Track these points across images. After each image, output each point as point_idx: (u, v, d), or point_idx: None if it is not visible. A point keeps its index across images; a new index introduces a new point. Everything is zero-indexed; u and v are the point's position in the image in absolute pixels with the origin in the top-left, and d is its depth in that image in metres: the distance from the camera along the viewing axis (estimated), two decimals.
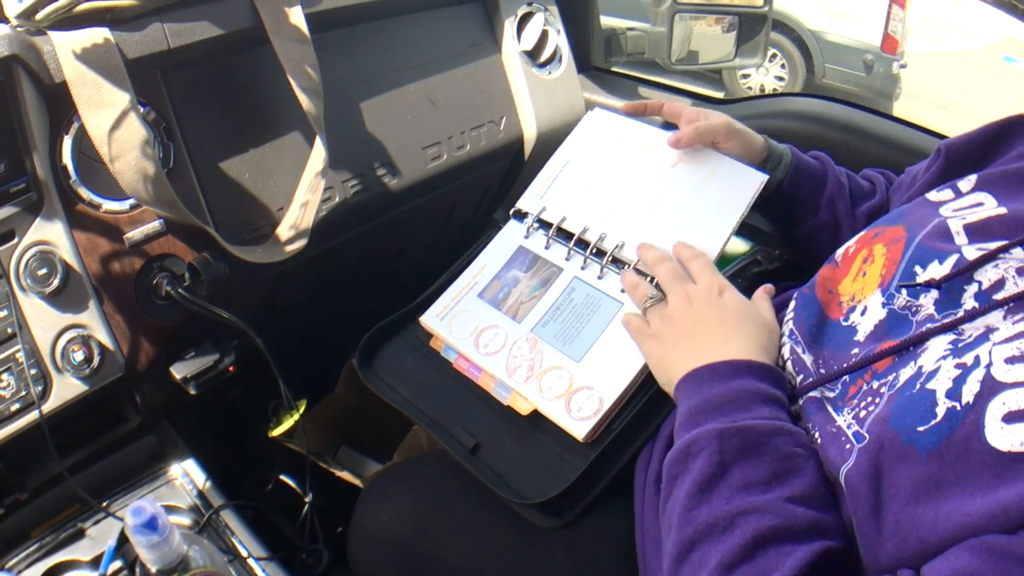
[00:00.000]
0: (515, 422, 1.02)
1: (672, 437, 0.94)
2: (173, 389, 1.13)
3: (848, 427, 0.73)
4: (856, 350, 0.80)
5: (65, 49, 0.93)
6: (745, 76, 6.62)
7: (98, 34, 0.95)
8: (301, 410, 1.40)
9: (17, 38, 0.92)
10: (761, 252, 1.15)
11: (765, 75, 6.65)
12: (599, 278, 1.07)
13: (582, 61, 1.74)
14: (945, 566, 0.57)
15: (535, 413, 1.00)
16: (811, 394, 0.81)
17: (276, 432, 1.46)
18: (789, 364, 0.86)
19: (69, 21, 0.95)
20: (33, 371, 0.97)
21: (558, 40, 1.61)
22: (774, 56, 6.51)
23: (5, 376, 0.95)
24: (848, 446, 0.71)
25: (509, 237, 1.17)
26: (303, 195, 1.15)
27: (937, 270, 0.77)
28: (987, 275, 0.74)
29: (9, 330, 0.95)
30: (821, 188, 1.13)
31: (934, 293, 0.76)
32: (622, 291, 1.03)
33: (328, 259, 1.34)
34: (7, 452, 0.99)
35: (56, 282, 0.97)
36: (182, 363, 1.12)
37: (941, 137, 1.32)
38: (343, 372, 1.56)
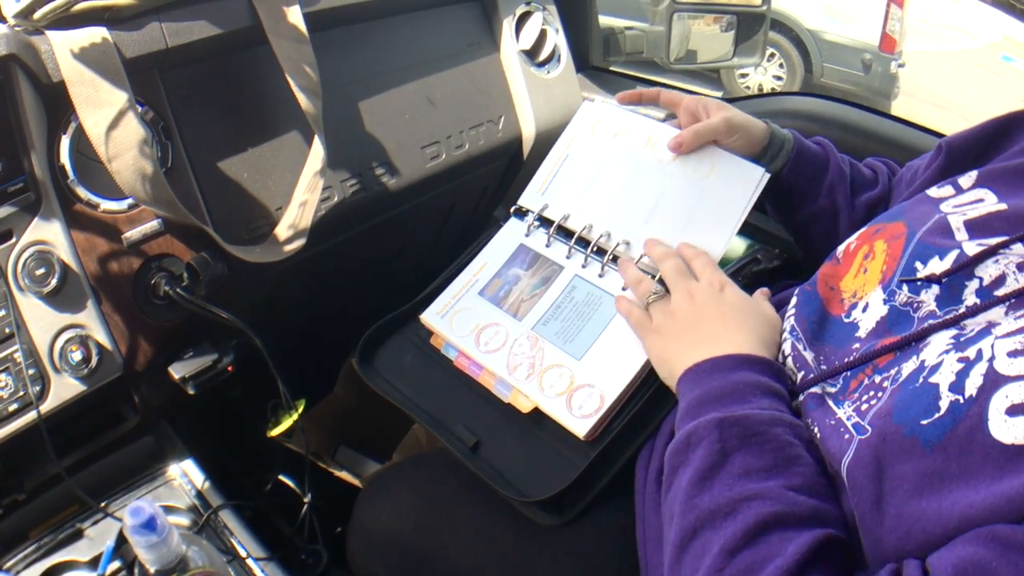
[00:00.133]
0: (516, 420, 1.02)
1: (673, 434, 0.94)
2: (171, 389, 1.13)
3: (848, 419, 0.73)
4: (857, 346, 0.80)
5: (63, 48, 0.93)
6: (743, 75, 6.62)
7: (96, 33, 0.95)
8: (300, 410, 1.40)
9: (15, 37, 0.92)
10: (761, 251, 1.15)
11: (763, 74, 6.66)
12: (600, 276, 1.07)
13: (581, 60, 1.74)
14: (951, 556, 0.57)
15: (536, 411, 1.00)
16: (811, 390, 0.81)
17: (275, 432, 1.46)
18: (790, 360, 0.86)
19: (67, 20, 0.95)
20: (31, 371, 0.96)
21: (556, 39, 1.61)
22: (772, 55, 6.52)
23: (3, 376, 0.95)
24: (847, 436, 0.71)
25: (510, 235, 1.16)
26: (302, 195, 1.15)
27: (938, 266, 0.77)
28: (988, 271, 0.74)
29: (7, 330, 0.95)
30: (822, 175, 1.12)
31: (935, 289, 0.76)
32: (623, 289, 1.03)
33: (327, 259, 1.34)
34: (5, 452, 0.98)
35: (54, 282, 0.97)
36: (180, 363, 1.12)
37: (939, 136, 1.32)
38: (342, 372, 1.56)
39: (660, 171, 1.11)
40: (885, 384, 0.72)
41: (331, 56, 1.22)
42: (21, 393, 0.96)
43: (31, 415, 0.96)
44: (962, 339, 0.68)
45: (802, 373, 0.84)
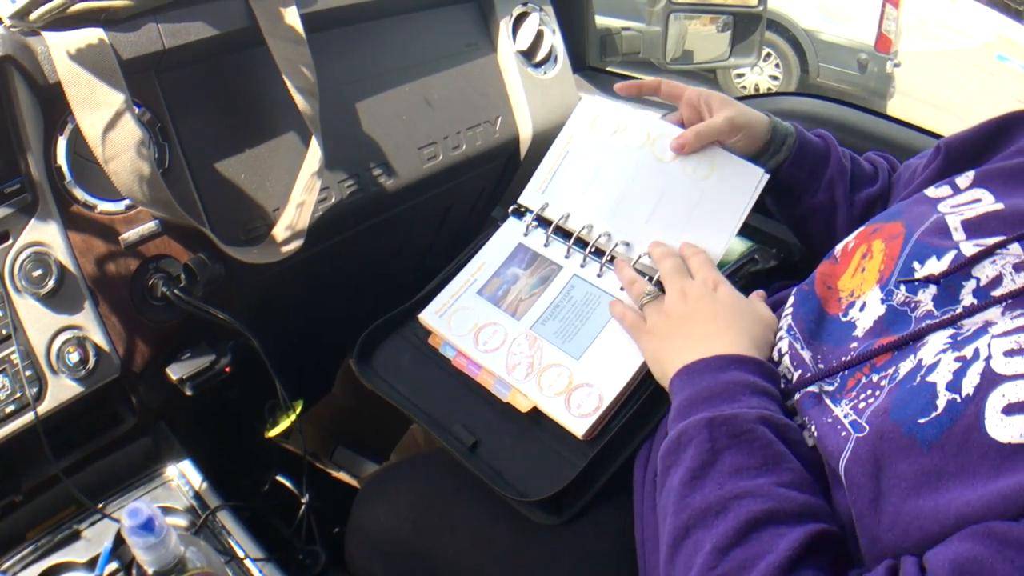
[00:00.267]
0: (514, 419, 1.02)
1: None
2: (169, 390, 1.12)
3: (845, 417, 0.73)
4: (855, 345, 0.80)
5: (59, 49, 0.93)
6: (740, 75, 6.63)
7: (92, 34, 0.95)
8: (298, 411, 1.40)
9: (11, 38, 0.92)
10: (758, 251, 1.15)
11: (759, 74, 6.66)
12: (598, 276, 1.07)
13: (577, 61, 1.74)
14: (948, 552, 0.57)
15: (534, 410, 1.00)
16: (808, 388, 0.81)
17: (273, 433, 1.45)
18: (787, 359, 0.86)
19: (63, 21, 0.94)
20: (28, 372, 0.96)
21: (553, 40, 1.61)
22: (768, 55, 6.53)
23: (0, 378, 0.95)
24: (844, 434, 0.71)
25: (508, 234, 1.16)
26: (299, 195, 1.15)
27: (935, 266, 0.78)
28: (985, 271, 0.74)
29: (4, 331, 0.95)
30: (822, 169, 1.12)
31: (932, 289, 0.77)
32: (621, 289, 1.03)
33: (324, 259, 1.34)
34: (2, 454, 0.98)
35: (51, 283, 0.97)
36: (178, 364, 1.12)
37: (935, 136, 1.32)
38: (340, 372, 1.56)
39: (660, 171, 1.10)
40: (883, 383, 0.72)
41: (328, 57, 1.21)
42: (18, 394, 0.96)
43: (28, 416, 0.96)
44: (959, 338, 0.69)
45: (799, 372, 0.84)
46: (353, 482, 1.46)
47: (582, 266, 1.08)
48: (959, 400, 0.62)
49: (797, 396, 0.82)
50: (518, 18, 1.56)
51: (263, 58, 1.10)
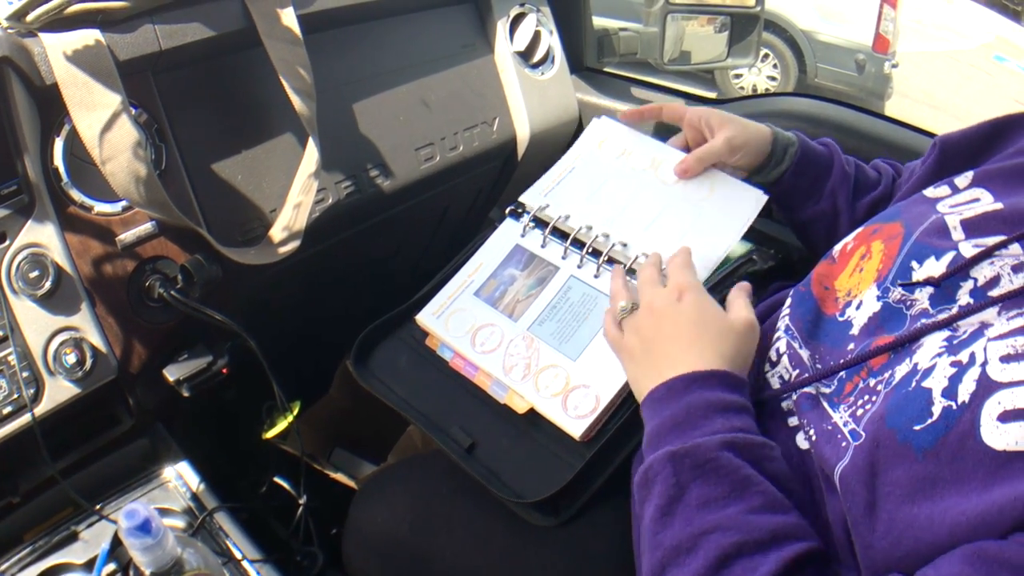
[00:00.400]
0: (511, 421, 1.02)
1: None
2: (166, 391, 1.13)
3: (844, 425, 0.73)
4: (852, 345, 0.80)
5: (56, 51, 0.93)
6: (737, 76, 6.63)
7: (89, 36, 0.95)
8: (295, 412, 1.40)
9: (8, 40, 0.92)
10: (757, 251, 1.15)
11: (757, 75, 6.66)
12: (595, 277, 1.07)
13: (575, 62, 1.74)
14: (937, 574, 0.57)
15: (531, 412, 1.00)
16: (805, 389, 0.81)
17: (270, 434, 1.46)
18: (786, 359, 0.86)
19: (60, 23, 0.94)
20: (25, 374, 0.96)
21: (551, 41, 1.61)
22: (766, 56, 6.53)
23: None
24: (844, 444, 0.71)
25: (505, 236, 1.16)
26: (296, 196, 1.15)
27: (934, 266, 0.77)
28: (983, 272, 0.74)
29: (1, 333, 0.95)
30: (824, 178, 1.12)
31: (929, 288, 0.77)
32: None
33: (322, 260, 1.34)
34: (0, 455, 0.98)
35: (48, 284, 0.97)
36: (175, 365, 1.12)
37: (932, 136, 1.32)
38: (337, 373, 1.56)
39: (662, 191, 1.12)
40: (879, 387, 0.72)
41: (325, 58, 1.22)
42: (15, 396, 0.96)
43: (25, 418, 0.96)
44: (955, 342, 0.68)
45: (797, 371, 0.84)
46: (351, 483, 1.46)
47: (579, 267, 1.08)
48: (955, 407, 0.62)
49: (795, 396, 0.82)
50: (515, 19, 1.56)
51: (260, 59, 1.10)
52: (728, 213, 1.07)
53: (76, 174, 1.01)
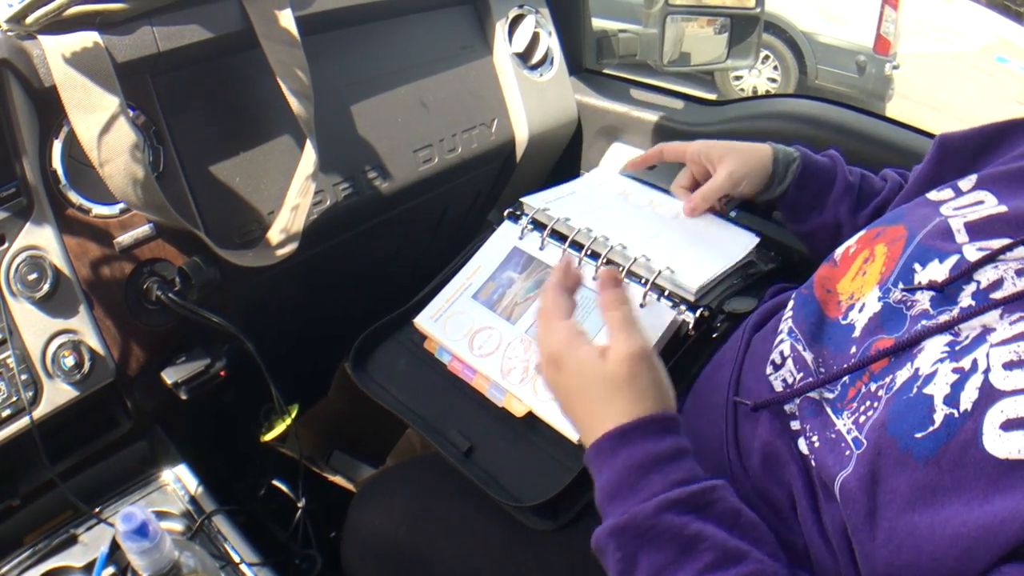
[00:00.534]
0: (509, 424, 1.02)
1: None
2: (164, 394, 1.13)
3: (848, 432, 0.72)
4: (854, 348, 0.80)
5: (55, 53, 0.93)
6: (737, 78, 6.63)
7: (87, 38, 0.95)
8: (293, 415, 1.40)
9: (6, 42, 0.92)
10: (757, 253, 1.15)
11: (757, 77, 6.66)
12: (594, 279, 1.07)
13: (574, 63, 1.74)
14: None
15: (530, 415, 1.00)
16: (809, 394, 0.80)
17: (268, 437, 1.45)
18: (790, 361, 0.85)
19: (58, 25, 0.94)
20: (24, 377, 0.96)
21: (549, 42, 1.61)
22: (766, 58, 6.53)
23: None
24: (848, 452, 0.71)
25: (504, 238, 1.16)
26: (293, 199, 1.15)
27: (937, 269, 0.77)
28: (986, 275, 0.73)
29: (0, 336, 0.95)
30: (828, 190, 1.14)
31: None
32: None
33: (320, 262, 1.34)
34: None
35: (46, 287, 0.97)
36: (173, 368, 1.12)
37: (933, 137, 1.32)
38: (336, 376, 1.56)
39: (659, 221, 1.17)
40: (880, 393, 0.71)
41: (323, 60, 1.22)
42: (14, 399, 0.96)
43: (24, 421, 0.96)
44: (957, 348, 0.68)
45: (801, 374, 0.84)
46: (349, 486, 1.46)
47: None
48: (957, 415, 0.62)
49: (797, 401, 0.82)
50: (514, 20, 1.56)
51: (258, 61, 1.10)
52: (721, 247, 1.12)
53: (74, 176, 1.01)
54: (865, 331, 0.80)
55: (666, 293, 1.03)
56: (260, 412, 1.48)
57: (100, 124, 0.94)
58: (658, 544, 0.69)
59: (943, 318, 0.72)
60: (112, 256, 1.04)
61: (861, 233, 0.91)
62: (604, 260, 1.06)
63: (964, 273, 0.74)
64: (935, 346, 0.70)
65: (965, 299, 0.73)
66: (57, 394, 0.99)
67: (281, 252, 1.13)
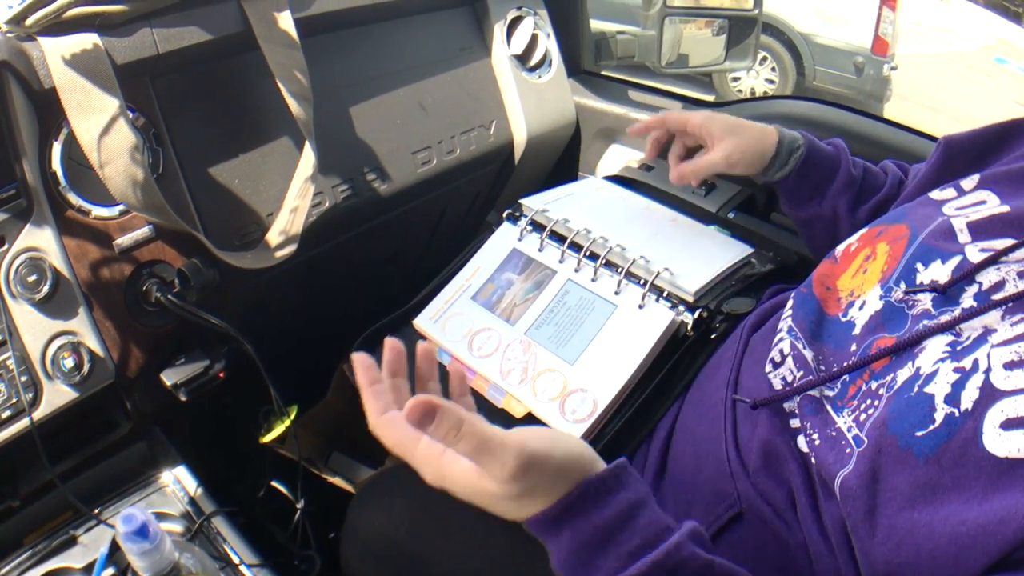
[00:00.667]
0: (509, 425, 1.01)
1: (668, 439, 0.94)
2: (164, 395, 1.13)
3: (848, 430, 0.72)
4: (854, 346, 0.80)
5: (54, 55, 0.93)
6: (735, 79, 6.62)
7: (87, 40, 0.95)
8: (292, 416, 1.40)
9: (6, 44, 0.92)
10: (755, 255, 1.15)
11: (755, 78, 6.66)
12: (593, 280, 1.07)
13: (572, 65, 1.74)
14: None
15: (529, 416, 1.00)
16: (809, 393, 0.80)
17: (268, 438, 1.45)
18: (790, 359, 0.85)
19: (58, 27, 0.95)
20: (23, 378, 0.96)
21: (548, 44, 1.62)
22: (764, 59, 6.53)
23: None
24: (848, 450, 0.71)
25: (503, 239, 1.17)
26: (293, 200, 1.15)
27: (939, 269, 0.77)
28: (988, 276, 0.73)
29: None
30: (830, 179, 1.13)
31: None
32: (616, 293, 1.04)
33: (319, 264, 1.34)
34: None
35: (46, 289, 0.97)
36: (172, 369, 1.12)
37: (932, 139, 1.32)
38: (335, 377, 1.56)
39: (656, 225, 1.19)
40: (881, 391, 0.72)
41: (322, 62, 1.22)
42: (14, 400, 0.96)
43: (24, 422, 0.96)
44: (958, 348, 0.68)
45: (801, 372, 0.84)
46: (348, 487, 1.46)
47: (576, 271, 1.09)
48: (957, 415, 0.62)
49: (797, 399, 0.82)
50: (512, 22, 1.56)
51: (257, 63, 1.10)
52: (714, 251, 1.13)
53: (74, 178, 1.01)
54: (866, 329, 0.80)
55: (664, 294, 1.03)
56: (259, 413, 1.48)
57: (100, 126, 0.94)
58: None
59: (944, 318, 0.72)
60: (112, 258, 1.04)
61: (863, 231, 0.91)
62: (603, 261, 1.07)
63: (967, 275, 0.74)
64: (936, 346, 0.70)
65: (967, 300, 0.73)
66: (57, 395, 0.99)
67: (280, 254, 1.13)
